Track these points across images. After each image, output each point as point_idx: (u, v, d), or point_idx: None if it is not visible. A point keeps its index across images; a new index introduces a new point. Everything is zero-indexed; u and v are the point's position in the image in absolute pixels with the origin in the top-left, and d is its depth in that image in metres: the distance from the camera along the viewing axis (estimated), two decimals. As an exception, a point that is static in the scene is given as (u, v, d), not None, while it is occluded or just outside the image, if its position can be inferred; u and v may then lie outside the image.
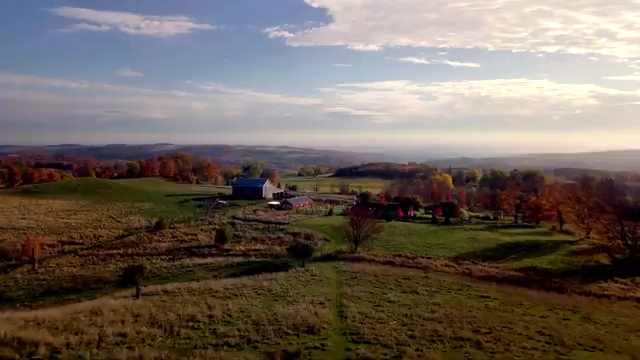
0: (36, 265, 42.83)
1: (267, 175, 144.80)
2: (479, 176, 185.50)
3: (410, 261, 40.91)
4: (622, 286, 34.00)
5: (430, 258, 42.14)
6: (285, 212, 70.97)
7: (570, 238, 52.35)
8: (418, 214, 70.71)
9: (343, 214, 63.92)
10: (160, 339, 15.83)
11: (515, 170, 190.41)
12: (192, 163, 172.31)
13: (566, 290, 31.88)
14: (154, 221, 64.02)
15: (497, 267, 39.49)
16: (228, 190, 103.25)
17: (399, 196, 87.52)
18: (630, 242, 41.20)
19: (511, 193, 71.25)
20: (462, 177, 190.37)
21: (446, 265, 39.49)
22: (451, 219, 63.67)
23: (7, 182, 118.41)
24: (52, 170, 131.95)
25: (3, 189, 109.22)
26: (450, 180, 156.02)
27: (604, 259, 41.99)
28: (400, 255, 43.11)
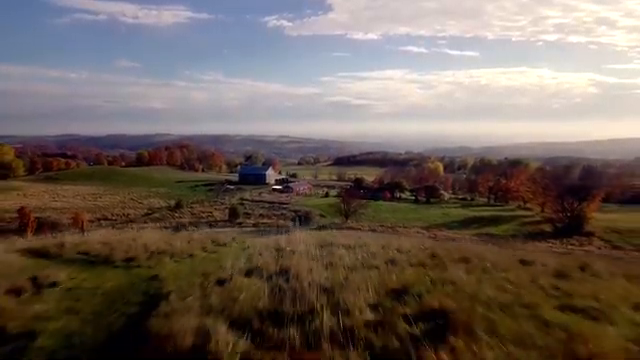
0: (85, 234, 52.44)
1: (269, 163, 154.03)
2: (470, 164, 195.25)
3: (389, 230, 50.43)
4: (550, 244, 43.57)
5: (406, 227, 51.78)
6: (287, 195, 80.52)
7: (528, 213, 61.98)
8: (404, 196, 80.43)
9: (338, 196, 73.35)
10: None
11: (506, 158, 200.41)
12: (196, 152, 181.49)
13: (503, 246, 41.57)
14: (172, 202, 73.50)
15: (459, 234, 49.12)
16: (232, 177, 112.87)
17: (390, 181, 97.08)
18: (569, 214, 50.81)
19: (486, 178, 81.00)
20: (454, 165, 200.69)
21: (417, 232, 49.11)
22: (431, 200, 73.35)
23: (27, 170, 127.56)
24: (68, 159, 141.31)
25: (26, 177, 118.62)
26: (441, 168, 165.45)
27: (548, 227, 51.60)
28: (382, 225, 52.78)
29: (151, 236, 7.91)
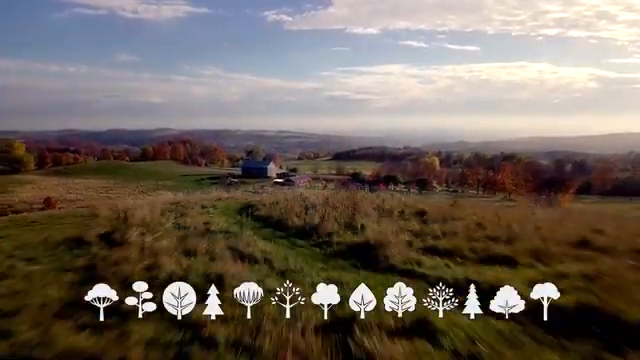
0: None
1: (270, 158, 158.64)
2: (465, 158, 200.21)
3: (382, 218, 55.56)
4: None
5: (397, 216, 56.79)
6: (288, 187, 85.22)
7: (512, 204, 66.93)
8: (398, 188, 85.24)
9: (336, 188, 78.21)
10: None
11: (502, 153, 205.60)
12: (199, 147, 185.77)
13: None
14: (181, 194, 78.38)
15: (444, 221, 54.12)
16: (235, 171, 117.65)
17: (385, 175, 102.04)
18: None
19: (476, 171, 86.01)
20: (450, 159, 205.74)
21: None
22: (423, 191, 78.21)
23: (37, 165, 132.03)
24: (75, 154, 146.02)
25: (36, 171, 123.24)
26: (437, 162, 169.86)
27: (527, 216, 56.60)
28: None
29: (218, 192, 12.82)
